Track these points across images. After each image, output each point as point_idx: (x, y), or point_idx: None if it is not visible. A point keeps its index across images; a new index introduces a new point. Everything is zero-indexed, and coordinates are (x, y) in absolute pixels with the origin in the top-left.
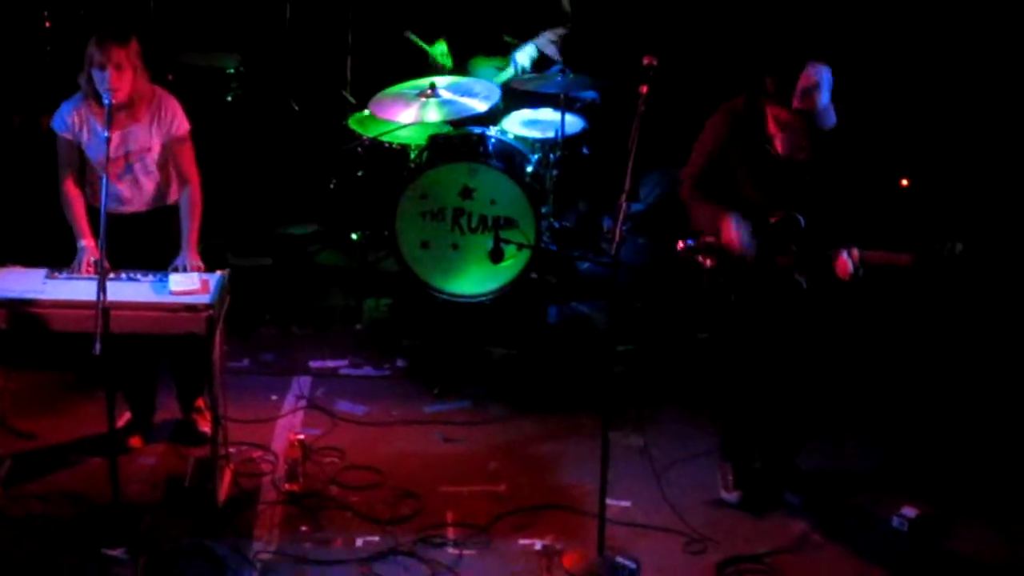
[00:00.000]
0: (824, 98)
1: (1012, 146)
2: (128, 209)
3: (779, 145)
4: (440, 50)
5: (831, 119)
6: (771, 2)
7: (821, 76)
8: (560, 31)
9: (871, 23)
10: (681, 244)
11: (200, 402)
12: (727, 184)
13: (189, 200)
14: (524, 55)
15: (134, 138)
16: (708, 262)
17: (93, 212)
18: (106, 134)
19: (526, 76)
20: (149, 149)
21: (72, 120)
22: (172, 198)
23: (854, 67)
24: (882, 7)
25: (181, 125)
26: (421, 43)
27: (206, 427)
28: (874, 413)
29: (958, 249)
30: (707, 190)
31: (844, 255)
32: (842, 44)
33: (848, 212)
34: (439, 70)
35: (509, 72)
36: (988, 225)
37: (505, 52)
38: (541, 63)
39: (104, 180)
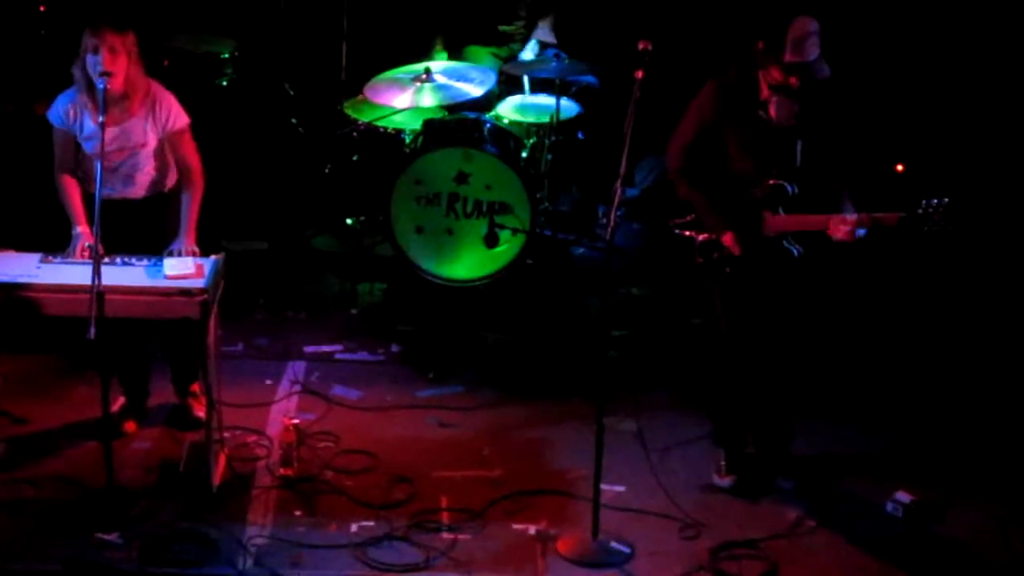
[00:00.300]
0: (816, 48)
1: (1002, 116)
2: (123, 195)
3: (772, 110)
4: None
5: (824, 70)
6: None
7: (810, 26)
8: (551, 18)
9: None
10: (673, 222)
11: (195, 387)
12: (716, 155)
13: (191, 186)
14: (529, 53)
15: (129, 133)
16: (701, 236)
17: (89, 198)
18: (101, 118)
19: (522, 62)
20: (144, 144)
21: (68, 112)
22: (169, 185)
23: (843, 35)
24: None
25: (178, 119)
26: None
27: (201, 412)
28: (867, 398)
29: (943, 204)
30: (697, 165)
31: (841, 217)
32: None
33: (840, 174)
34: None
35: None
36: (976, 185)
37: (499, 40)
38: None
39: (98, 166)
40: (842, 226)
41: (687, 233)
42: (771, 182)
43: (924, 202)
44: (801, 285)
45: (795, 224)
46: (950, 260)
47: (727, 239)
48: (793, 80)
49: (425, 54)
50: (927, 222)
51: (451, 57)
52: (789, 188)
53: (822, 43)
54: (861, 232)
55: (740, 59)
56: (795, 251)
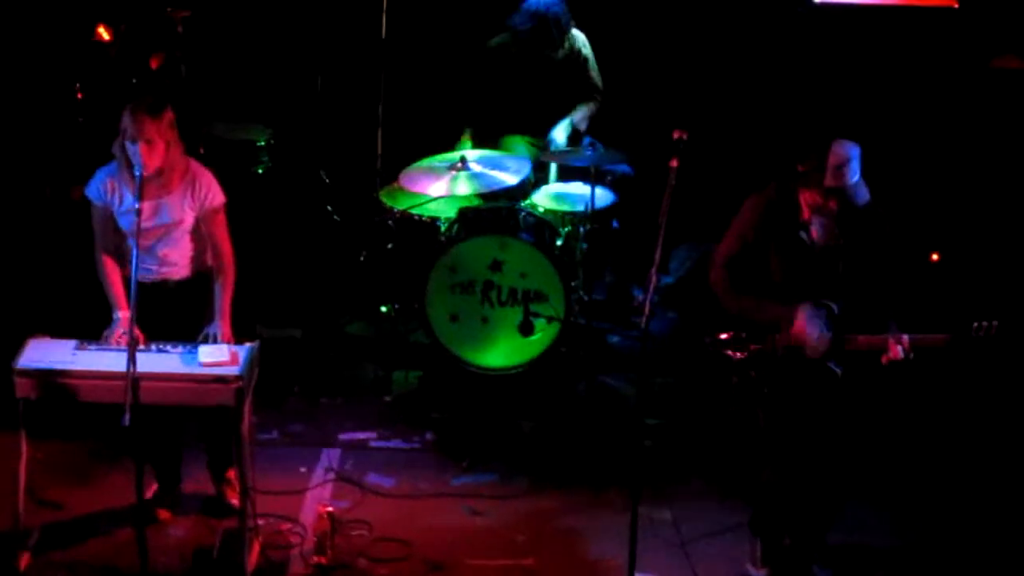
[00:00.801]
0: (855, 174)
1: None
2: (157, 278)
3: (814, 232)
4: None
5: (864, 195)
6: (798, 81)
7: (850, 152)
8: (592, 106)
9: (895, 101)
10: (709, 339)
11: (231, 473)
12: (760, 271)
13: (223, 271)
14: (561, 131)
15: (166, 210)
16: (738, 355)
17: (128, 281)
18: (136, 204)
19: (558, 151)
20: (181, 221)
21: (105, 188)
22: (202, 269)
23: (880, 147)
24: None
25: (216, 197)
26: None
27: (235, 500)
28: (897, 488)
29: (993, 327)
30: (740, 277)
31: (894, 341)
32: (867, 123)
33: (883, 296)
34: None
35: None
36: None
37: (535, 130)
38: (573, 138)
39: (135, 251)
40: (898, 346)
41: (725, 351)
42: (818, 301)
43: (974, 324)
44: (843, 404)
45: (860, 344)
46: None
47: (799, 322)
48: (832, 204)
49: (452, 145)
50: (979, 344)
51: (488, 146)
52: (835, 308)
53: (863, 166)
54: (911, 355)
55: (780, 177)
56: (838, 371)
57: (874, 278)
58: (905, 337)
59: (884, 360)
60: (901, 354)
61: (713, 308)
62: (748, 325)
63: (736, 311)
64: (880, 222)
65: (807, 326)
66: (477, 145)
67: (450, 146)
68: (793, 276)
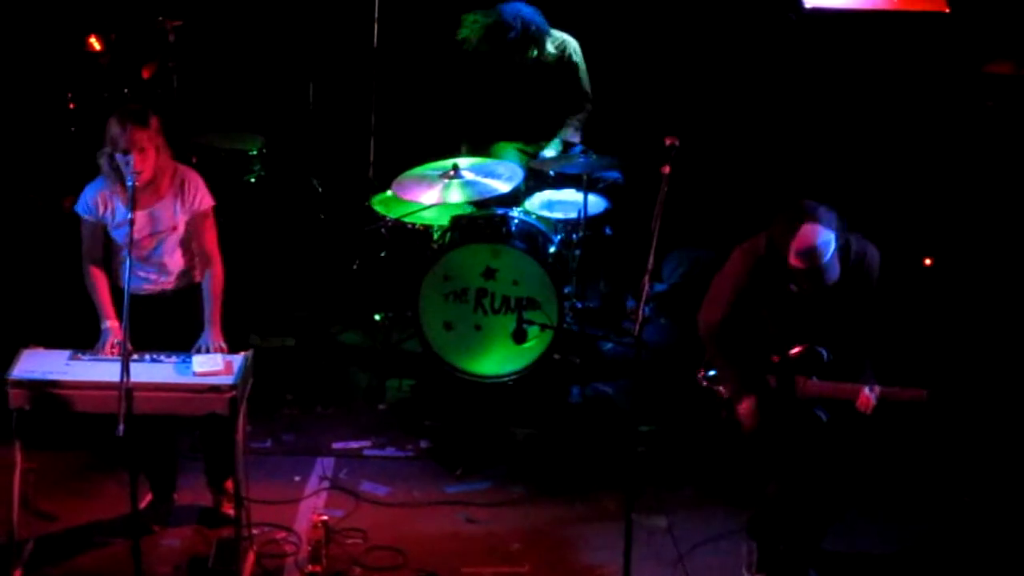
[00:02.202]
0: (822, 259)
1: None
2: (154, 288)
3: (800, 283)
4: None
5: (832, 276)
6: (790, 87)
7: (817, 239)
8: (582, 116)
9: (887, 107)
10: (701, 374)
11: (228, 484)
12: (749, 320)
13: (211, 279)
14: (551, 151)
15: (159, 216)
16: (726, 391)
17: (118, 292)
18: (129, 215)
19: (549, 158)
20: (175, 227)
21: (95, 203)
22: (198, 278)
23: (872, 153)
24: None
25: (204, 200)
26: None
27: (230, 510)
28: (892, 495)
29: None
30: (730, 328)
31: (866, 390)
32: (859, 128)
33: (864, 345)
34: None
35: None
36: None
37: (527, 137)
38: (565, 148)
39: (128, 261)
40: (868, 398)
41: (713, 387)
42: (806, 347)
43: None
44: (829, 446)
45: (829, 391)
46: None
47: (743, 408)
48: (801, 280)
49: (445, 154)
50: (959, 400)
51: (481, 153)
52: (824, 354)
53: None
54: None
55: (769, 230)
56: (823, 417)
57: (853, 330)
58: (876, 388)
59: (861, 408)
60: (872, 403)
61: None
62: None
63: (717, 366)
64: (863, 278)
65: (747, 416)
66: (471, 154)
67: (443, 154)
68: (781, 325)
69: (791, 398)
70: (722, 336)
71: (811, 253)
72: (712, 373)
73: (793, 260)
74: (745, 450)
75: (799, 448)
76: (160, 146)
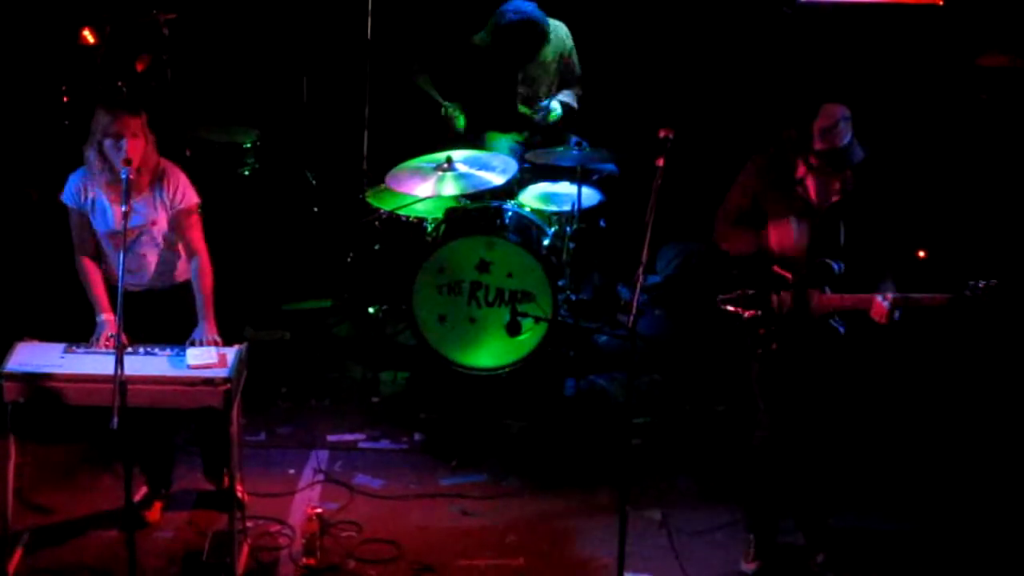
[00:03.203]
0: (845, 136)
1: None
2: (139, 283)
3: (811, 191)
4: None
5: (857, 154)
6: (784, 79)
7: (837, 114)
8: (576, 90)
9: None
10: (721, 297)
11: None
12: (759, 230)
13: (199, 273)
14: (557, 104)
15: (139, 210)
16: (748, 313)
17: (112, 287)
18: (124, 207)
19: (544, 151)
20: (155, 222)
21: (80, 191)
22: (182, 276)
23: (866, 145)
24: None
25: (187, 198)
26: (435, 94)
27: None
28: (897, 472)
29: (991, 285)
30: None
31: (879, 298)
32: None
33: (881, 253)
34: (452, 130)
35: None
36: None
37: (520, 126)
38: (566, 123)
39: (121, 254)
40: (881, 305)
41: (732, 309)
42: (817, 260)
43: (971, 283)
44: (845, 363)
45: (840, 303)
46: (994, 341)
47: (778, 229)
48: (826, 166)
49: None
50: (974, 303)
51: (472, 138)
52: (836, 267)
53: (855, 126)
54: (896, 315)
55: (776, 142)
56: (840, 329)
57: (873, 237)
58: (889, 295)
59: (876, 317)
60: (885, 311)
61: (700, 306)
62: (752, 282)
63: (728, 245)
64: (880, 181)
65: (793, 233)
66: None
67: (438, 147)
68: (792, 235)
69: (805, 314)
70: (735, 222)
71: (836, 129)
72: (731, 296)
73: (819, 143)
74: (755, 380)
75: (810, 368)
76: (148, 138)
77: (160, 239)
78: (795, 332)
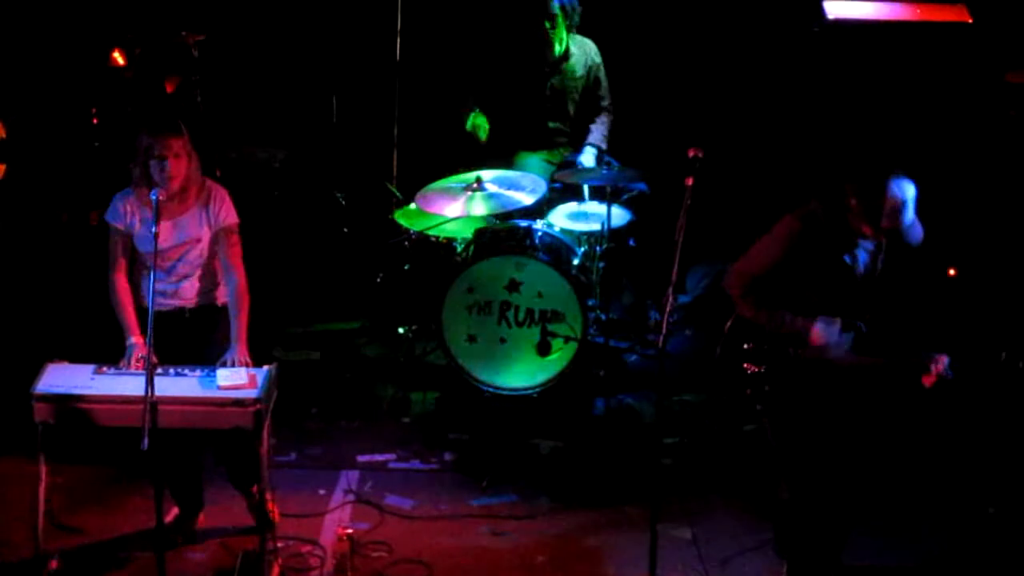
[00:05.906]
0: (911, 215)
1: None
2: (175, 303)
3: (859, 257)
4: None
5: (917, 234)
6: (813, 98)
7: (906, 194)
8: (606, 118)
9: (910, 117)
10: (718, 351)
11: (255, 489)
12: (785, 287)
13: (236, 294)
14: (588, 157)
15: (184, 227)
16: (753, 368)
17: (141, 310)
18: (155, 228)
19: (574, 170)
20: (199, 240)
21: (124, 210)
22: (220, 299)
23: (896, 162)
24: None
25: (230, 215)
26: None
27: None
28: (909, 509)
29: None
30: (760, 293)
31: (934, 362)
32: (882, 139)
33: (914, 319)
34: (477, 143)
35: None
36: None
37: (550, 144)
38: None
39: (152, 275)
40: (940, 365)
41: (741, 364)
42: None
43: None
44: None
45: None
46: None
47: (816, 330)
48: (884, 239)
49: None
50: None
51: (499, 157)
52: (862, 327)
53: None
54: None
55: (825, 197)
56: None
57: (906, 302)
58: (944, 357)
59: (927, 381)
60: (943, 371)
61: (725, 325)
62: (768, 336)
63: (752, 318)
64: (924, 258)
65: (824, 335)
66: (501, 162)
67: (467, 166)
68: (825, 296)
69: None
70: (756, 289)
71: (904, 209)
72: (744, 348)
73: (886, 221)
74: (771, 439)
75: (828, 421)
76: (192, 155)
77: (203, 258)
78: (812, 386)
